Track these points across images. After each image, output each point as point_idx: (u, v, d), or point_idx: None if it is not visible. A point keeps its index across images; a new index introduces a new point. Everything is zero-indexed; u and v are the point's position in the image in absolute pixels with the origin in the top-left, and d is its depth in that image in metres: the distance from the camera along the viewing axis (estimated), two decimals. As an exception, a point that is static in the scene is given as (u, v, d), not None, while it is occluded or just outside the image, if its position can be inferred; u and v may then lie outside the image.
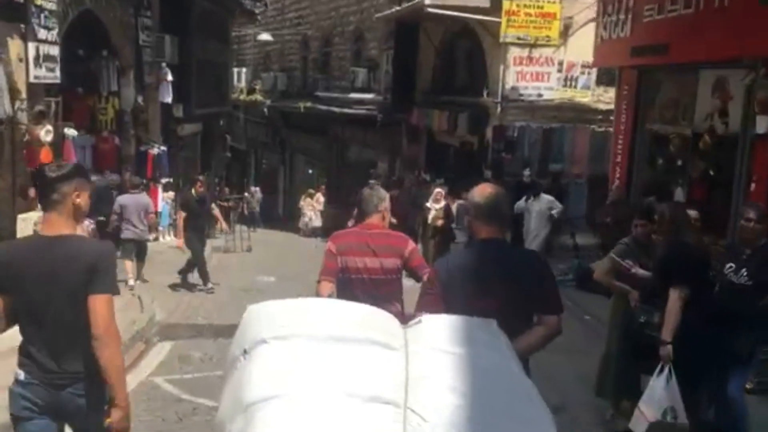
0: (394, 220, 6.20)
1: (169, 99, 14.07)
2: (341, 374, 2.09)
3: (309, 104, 21.81)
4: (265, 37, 22.96)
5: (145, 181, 13.36)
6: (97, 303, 2.80)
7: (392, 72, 17.99)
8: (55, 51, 9.33)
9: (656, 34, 8.64)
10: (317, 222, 21.36)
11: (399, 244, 4.14)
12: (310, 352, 2.17)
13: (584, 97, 13.84)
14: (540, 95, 13.64)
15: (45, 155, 9.20)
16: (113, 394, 2.86)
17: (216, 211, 12.33)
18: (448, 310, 2.84)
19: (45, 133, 9.08)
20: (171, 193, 14.73)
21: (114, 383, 2.85)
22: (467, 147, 15.81)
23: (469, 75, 15.80)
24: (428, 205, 12.67)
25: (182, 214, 10.53)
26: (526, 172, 13.60)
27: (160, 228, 14.32)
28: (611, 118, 13.54)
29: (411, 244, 4.21)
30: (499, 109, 13.72)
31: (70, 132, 9.85)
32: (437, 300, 3.04)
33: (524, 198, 11.62)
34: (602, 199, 12.65)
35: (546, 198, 11.62)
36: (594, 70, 13.78)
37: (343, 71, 21.68)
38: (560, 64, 13.67)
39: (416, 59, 17.52)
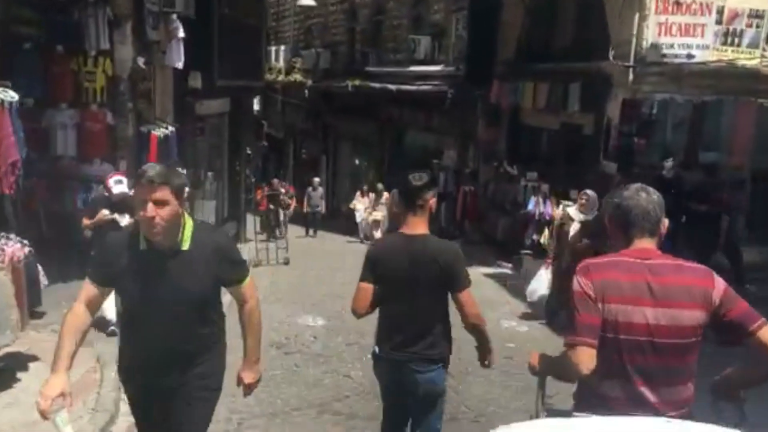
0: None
1: (179, 63, 10.59)
2: None
3: (358, 82, 18.49)
4: (306, 1, 19.58)
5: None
6: (464, 296, 3.45)
7: (466, 37, 14.44)
8: (-18, -35, 5.91)
9: None
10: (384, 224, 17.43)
11: (701, 284, 2.38)
12: None
13: (751, 59, 9.99)
14: (690, 56, 9.85)
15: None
16: (489, 357, 3.63)
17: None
18: None
19: (-36, 95, 5.68)
20: (185, 189, 11.29)
21: (488, 348, 3.60)
22: (572, 130, 12.09)
23: (579, 33, 12.04)
24: (571, 213, 8.05)
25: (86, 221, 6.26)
26: (668, 164, 9.91)
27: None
28: (790, 88, 9.80)
29: (720, 282, 2.41)
30: (630, 76, 9.97)
31: (8, 96, 6.35)
32: None
33: None
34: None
35: None
36: (765, 22, 9.93)
37: (399, 42, 18.49)
38: (719, 12, 9.86)
39: (498, 19, 13.97)
